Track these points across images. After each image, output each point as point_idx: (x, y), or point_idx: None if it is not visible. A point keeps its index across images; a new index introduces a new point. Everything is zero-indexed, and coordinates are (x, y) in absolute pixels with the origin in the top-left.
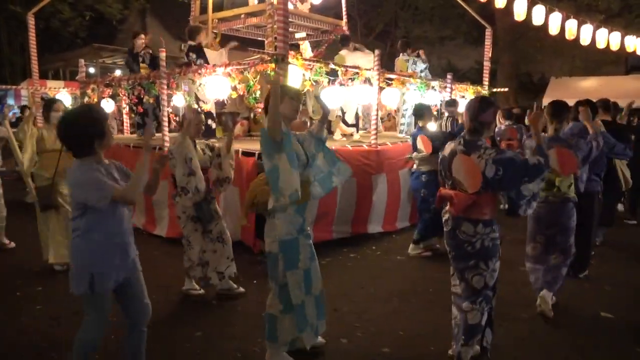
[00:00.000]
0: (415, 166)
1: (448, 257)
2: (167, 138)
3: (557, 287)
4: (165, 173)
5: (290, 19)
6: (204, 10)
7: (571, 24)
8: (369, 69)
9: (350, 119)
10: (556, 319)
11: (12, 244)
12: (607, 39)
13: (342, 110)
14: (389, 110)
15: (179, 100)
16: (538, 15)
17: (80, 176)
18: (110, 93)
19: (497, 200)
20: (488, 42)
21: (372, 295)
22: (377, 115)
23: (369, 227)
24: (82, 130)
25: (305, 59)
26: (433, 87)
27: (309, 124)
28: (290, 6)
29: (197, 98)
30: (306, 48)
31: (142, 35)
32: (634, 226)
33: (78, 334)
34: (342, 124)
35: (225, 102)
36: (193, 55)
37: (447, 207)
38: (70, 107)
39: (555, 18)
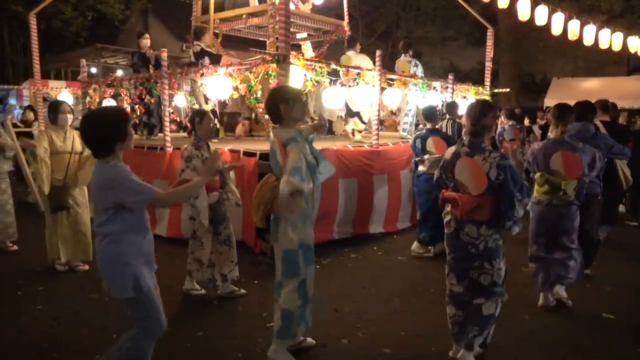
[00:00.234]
0: (422, 168)
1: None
2: (168, 138)
3: (570, 281)
4: (164, 173)
5: (291, 20)
6: (205, 10)
7: (574, 25)
8: (371, 69)
9: (402, 122)
10: (556, 319)
11: (15, 247)
12: (610, 39)
13: (346, 109)
14: (390, 110)
15: (180, 100)
16: (541, 15)
17: (113, 177)
18: (112, 93)
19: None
20: (490, 42)
21: (373, 295)
22: (378, 115)
23: (370, 227)
24: (106, 131)
25: (307, 59)
26: (434, 88)
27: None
28: (291, 6)
29: (197, 98)
30: (307, 48)
31: (147, 35)
32: (635, 227)
33: (135, 339)
34: (357, 120)
35: (227, 102)
36: (207, 60)
37: (449, 209)
38: (73, 106)
39: (558, 18)
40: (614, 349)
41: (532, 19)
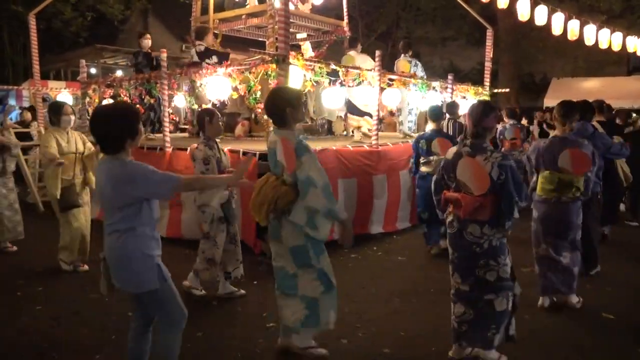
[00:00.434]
0: (427, 169)
1: (447, 257)
2: (167, 139)
3: (573, 292)
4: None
5: (291, 20)
6: (205, 11)
7: (573, 25)
8: (371, 69)
9: (405, 121)
10: (556, 319)
11: (14, 248)
12: (609, 39)
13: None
14: (389, 110)
15: (180, 100)
16: (540, 15)
17: (134, 172)
18: (112, 93)
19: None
20: (489, 42)
21: (373, 295)
22: (378, 115)
23: (369, 227)
24: (118, 128)
25: (306, 59)
26: (434, 88)
27: (309, 123)
28: (291, 7)
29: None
30: (307, 48)
31: (148, 35)
32: (635, 227)
33: (167, 337)
34: (368, 119)
35: (226, 102)
36: (214, 58)
37: (451, 209)
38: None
39: (558, 18)
40: (614, 349)
41: (531, 19)
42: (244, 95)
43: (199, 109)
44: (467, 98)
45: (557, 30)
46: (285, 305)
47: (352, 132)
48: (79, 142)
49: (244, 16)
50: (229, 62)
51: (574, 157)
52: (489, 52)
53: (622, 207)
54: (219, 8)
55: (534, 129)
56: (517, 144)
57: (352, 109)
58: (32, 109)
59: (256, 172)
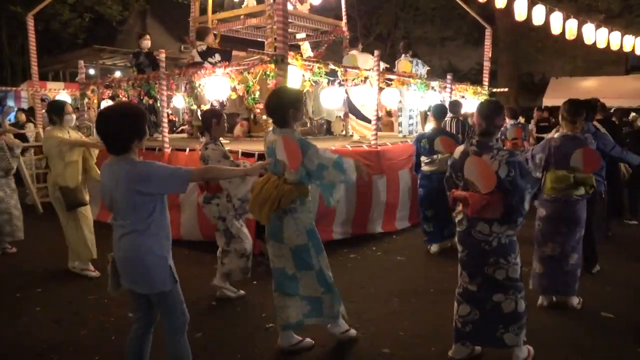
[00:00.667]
0: (430, 168)
1: (447, 257)
2: (166, 139)
3: (576, 287)
4: None
5: (289, 20)
6: (203, 11)
7: (571, 24)
8: (370, 69)
9: (405, 122)
10: (556, 318)
11: (14, 249)
12: (607, 38)
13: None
14: (387, 110)
15: (179, 101)
16: (538, 15)
17: (146, 170)
18: (110, 94)
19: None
20: (488, 42)
21: (372, 295)
22: (377, 115)
23: (369, 227)
24: (126, 129)
25: (305, 59)
26: (433, 88)
27: (308, 124)
28: (289, 7)
29: (196, 98)
30: (307, 49)
31: (147, 36)
32: (635, 226)
33: (174, 340)
34: (368, 125)
35: (225, 103)
36: (217, 56)
37: (460, 208)
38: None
39: (556, 18)
40: (614, 348)
41: (530, 18)
42: (243, 95)
43: (200, 110)
44: (465, 97)
45: (555, 29)
46: (286, 305)
47: (352, 132)
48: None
49: (242, 16)
50: (231, 60)
51: (585, 155)
52: (487, 52)
53: None
54: (219, 8)
55: (532, 127)
56: (519, 144)
57: (353, 110)
58: (23, 111)
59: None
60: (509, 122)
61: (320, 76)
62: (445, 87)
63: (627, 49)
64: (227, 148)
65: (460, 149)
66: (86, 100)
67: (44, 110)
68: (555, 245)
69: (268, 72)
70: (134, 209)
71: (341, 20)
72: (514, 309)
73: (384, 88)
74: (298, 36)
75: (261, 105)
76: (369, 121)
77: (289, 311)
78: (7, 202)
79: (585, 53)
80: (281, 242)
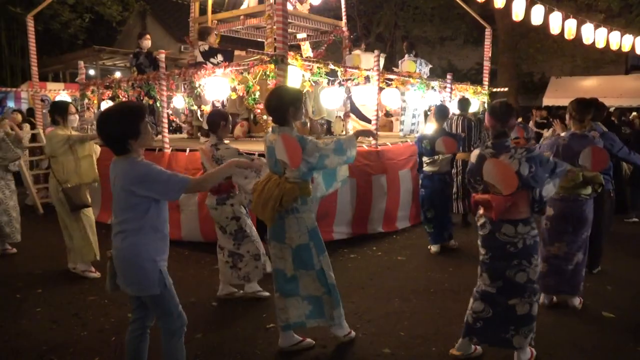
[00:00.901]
0: (431, 168)
1: (448, 257)
2: (166, 139)
3: (580, 287)
4: None
5: (289, 20)
6: (203, 11)
7: (571, 24)
8: (370, 69)
9: (408, 121)
10: (556, 318)
11: (14, 250)
12: (607, 38)
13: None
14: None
15: (179, 101)
16: (537, 15)
17: (145, 172)
18: (110, 95)
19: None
20: (488, 42)
21: (373, 295)
22: (377, 115)
23: (369, 227)
24: (118, 128)
25: (305, 59)
26: (433, 88)
27: (308, 124)
28: (289, 7)
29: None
30: (307, 49)
31: (148, 36)
32: (636, 224)
33: (170, 342)
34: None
35: (224, 103)
36: (220, 57)
37: (481, 212)
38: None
39: (555, 18)
40: (614, 348)
41: (528, 18)
42: (243, 95)
43: (200, 110)
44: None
45: (554, 29)
46: (286, 306)
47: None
48: None
49: (242, 17)
50: (233, 60)
51: (594, 154)
52: (487, 52)
53: None
54: (219, 8)
55: (531, 126)
56: (521, 143)
57: (354, 110)
58: (29, 111)
59: None
60: None
61: (320, 76)
62: (446, 87)
63: (626, 48)
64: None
65: (476, 153)
66: (86, 100)
67: (44, 110)
68: (562, 244)
69: (268, 72)
70: (128, 208)
71: (341, 20)
72: (527, 311)
73: (384, 88)
74: (299, 36)
75: (261, 106)
76: (369, 121)
77: (290, 312)
78: (6, 204)
79: (585, 53)
80: (282, 243)
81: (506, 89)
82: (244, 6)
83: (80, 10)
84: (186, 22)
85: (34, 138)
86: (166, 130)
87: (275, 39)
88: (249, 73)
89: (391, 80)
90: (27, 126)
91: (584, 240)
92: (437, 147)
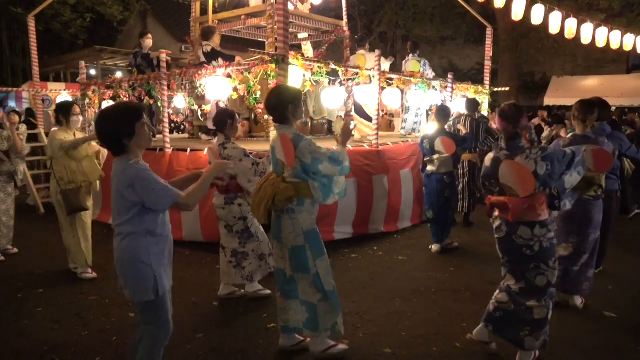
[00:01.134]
0: (432, 168)
1: (449, 257)
2: (167, 139)
3: (585, 287)
4: (164, 175)
5: (290, 20)
6: (204, 11)
7: (571, 23)
8: (371, 69)
9: (411, 120)
10: (557, 317)
11: (15, 250)
12: (607, 37)
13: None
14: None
15: (180, 101)
16: (537, 14)
17: (134, 176)
18: (111, 95)
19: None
20: (489, 41)
21: (374, 295)
22: (378, 115)
23: (370, 227)
24: (112, 128)
25: (306, 59)
26: (434, 87)
27: (309, 124)
28: (290, 7)
29: (197, 99)
30: (309, 49)
31: (150, 35)
32: (637, 224)
33: (145, 347)
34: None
35: (225, 103)
36: (220, 61)
37: (497, 214)
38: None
39: (555, 17)
40: (615, 348)
41: (529, 18)
42: (243, 95)
43: (201, 110)
44: (467, 97)
45: (554, 29)
46: (286, 308)
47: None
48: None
49: (243, 16)
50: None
51: (596, 155)
52: (488, 51)
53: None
54: (222, 8)
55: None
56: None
57: (358, 109)
58: (28, 112)
59: None
60: None
61: (321, 76)
62: (447, 87)
63: (628, 48)
64: None
65: (490, 156)
66: (87, 100)
67: (46, 110)
68: (568, 245)
69: (269, 72)
70: (122, 211)
71: (342, 20)
72: (545, 315)
73: (385, 87)
74: (300, 36)
75: (262, 105)
76: (371, 120)
77: (290, 314)
78: None
79: (585, 52)
80: (281, 242)
81: (507, 89)
82: (252, 4)
83: (81, 10)
84: (187, 22)
85: (35, 138)
86: (167, 130)
87: (276, 38)
88: (250, 73)
89: (392, 79)
90: (23, 127)
91: (591, 242)
92: (436, 146)
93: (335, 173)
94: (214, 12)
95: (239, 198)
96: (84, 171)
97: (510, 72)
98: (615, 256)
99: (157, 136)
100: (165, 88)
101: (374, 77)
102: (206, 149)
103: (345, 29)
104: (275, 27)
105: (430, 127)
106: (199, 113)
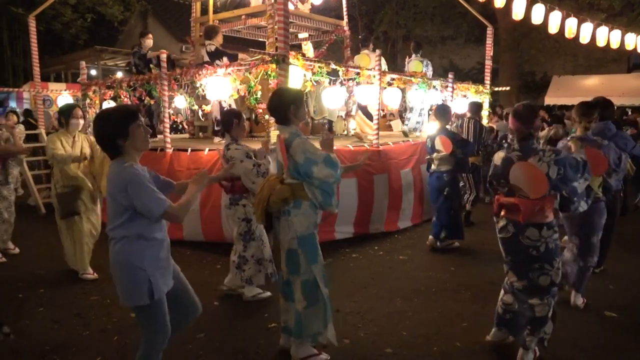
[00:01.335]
0: (433, 166)
1: (449, 257)
2: (168, 139)
3: (583, 286)
4: (164, 175)
5: (290, 20)
6: (204, 11)
7: (571, 23)
8: (372, 68)
9: (414, 119)
10: (559, 317)
11: (17, 250)
12: (608, 37)
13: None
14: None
15: (180, 101)
16: (537, 14)
17: (127, 180)
18: (112, 95)
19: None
20: (489, 41)
21: (375, 295)
22: (378, 115)
23: (371, 227)
24: (106, 130)
25: (306, 59)
26: (434, 87)
27: (310, 124)
28: (290, 7)
29: (197, 99)
30: (309, 49)
31: (150, 35)
32: (637, 224)
33: (143, 350)
34: (371, 123)
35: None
36: (225, 60)
37: (503, 214)
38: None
39: (555, 17)
40: (616, 348)
41: (529, 17)
42: (244, 95)
43: (201, 110)
44: (467, 97)
45: (554, 28)
46: (286, 309)
47: (357, 128)
48: (85, 146)
49: (243, 16)
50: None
51: (590, 156)
52: (489, 51)
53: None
54: (222, 8)
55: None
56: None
57: (362, 108)
58: (27, 112)
59: None
60: None
61: (322, 76)
62: (447, 87)
63: (629, 47)
64: None
65: (500, 155)
66: (88, 100)
67: (47, 111)
68: (572, 246)
69: (269, 72)
70: (116, 214)
71: (342, 20)
72: (545, 314)
73: (385, 87)
74: (300, 36)
75: (263, 105)
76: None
77: (289, 315)
78: None
79: (586, 51)
80: (281, 244)
81: (508, 89)
82: (252, 4)
83: (81, 10)
84: (187, 22)
85: (35, 138)
86: (168, 130)
87: (276, 38)
88: (250, 73)
89: (393, 79)
90: (20, 127)
91: (592, 243)
92: (436, 145)
93: (330, 177)
94: (215, 12)
95: (244, 199)
96: (86, 171)
97: (511, 71)
98: (615, 256)
99: (158, 136)
100: (166, 88)
101: (374, 77)
102: (207, 149)
103: (346, 28)
104: (276, 27)
105: (432, 127)
106: (200, 113)
